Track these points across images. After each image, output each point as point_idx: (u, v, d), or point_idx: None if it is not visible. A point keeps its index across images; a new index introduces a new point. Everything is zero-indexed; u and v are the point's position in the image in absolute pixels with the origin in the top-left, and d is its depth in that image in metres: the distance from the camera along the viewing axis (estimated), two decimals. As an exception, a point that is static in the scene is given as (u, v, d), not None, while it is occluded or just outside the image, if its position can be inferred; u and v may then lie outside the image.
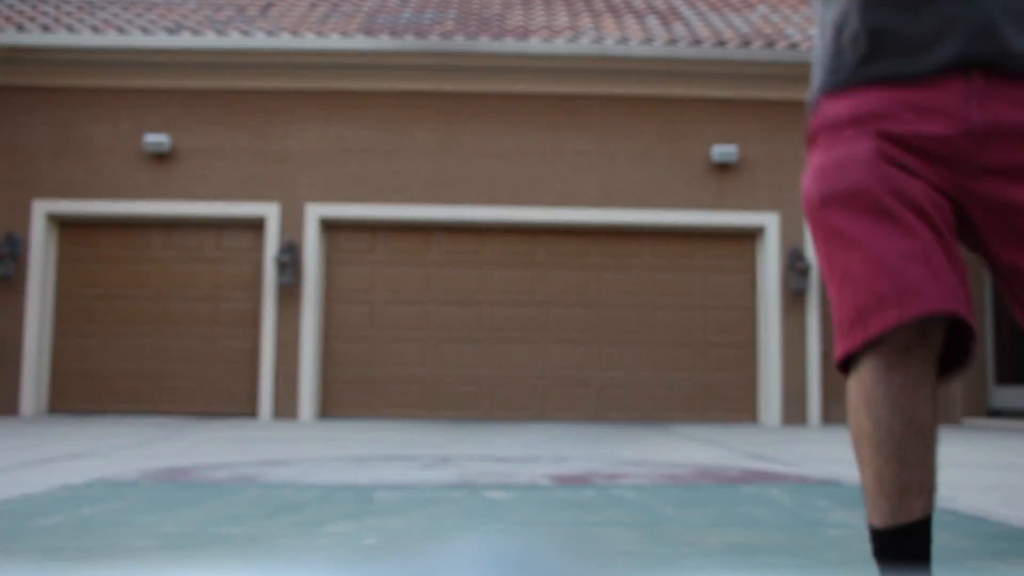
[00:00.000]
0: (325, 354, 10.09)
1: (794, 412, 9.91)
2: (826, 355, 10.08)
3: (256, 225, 10.19)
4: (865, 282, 1.56)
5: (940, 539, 2.79)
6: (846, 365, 1.66)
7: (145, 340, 10.13)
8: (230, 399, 10.04)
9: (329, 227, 10.24)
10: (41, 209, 10.01)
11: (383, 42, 9.92)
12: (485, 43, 9.91)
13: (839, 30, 1.69)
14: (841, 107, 1.66)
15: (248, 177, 10.10)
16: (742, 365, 10.21)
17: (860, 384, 1.62)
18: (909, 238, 1.54)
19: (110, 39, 9.85)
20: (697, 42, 10.06)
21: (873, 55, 1.64)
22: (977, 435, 8.04)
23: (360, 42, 9.91)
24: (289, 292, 9.92)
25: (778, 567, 2.36)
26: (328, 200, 10.07)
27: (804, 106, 10.31)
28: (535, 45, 9.91)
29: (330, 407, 10.03)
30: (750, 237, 10.38)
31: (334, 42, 9.90)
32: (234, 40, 9.88)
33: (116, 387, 10.08)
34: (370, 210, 10.09)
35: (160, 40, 9.88)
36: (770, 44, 10.08)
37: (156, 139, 9.94)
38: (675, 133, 10.26)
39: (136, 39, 9.86)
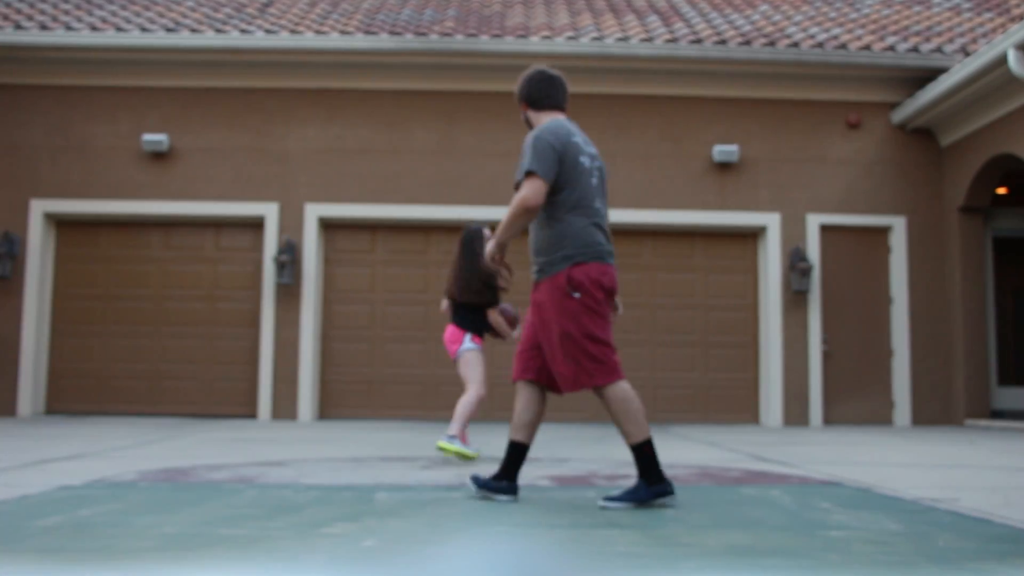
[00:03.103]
0: (324, 354, 10.08)
1: (796, 413, 9.89)
2: (828, 355, 10.06)
3: (255, 225, 10.17)
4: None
5: (943, 540, 2.78)
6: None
7: (143, 340, 10.11)
8: (229, 400, 10.02)
9: (328, 227, 10.22)
10: (39, 208, 9.99)
11: (382, 41, 9.90)
12: (485, 42, 9.90)
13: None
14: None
15: (247, 176, 10.08)
16: (743, 366, 10.20)
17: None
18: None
19: (108, 37, 9.83)
20: (698, 41, 10.04)
21: None
22: (980, 436, 8.03)
23: (359, 41, 9.89)
24: (288, 292, 9.91)
25: (779, 569, 2.35)
26: (327, 200, 10.05)
27: (805, 106, 10.30)
28: (535, 44, 9.89)
29: (329, 408, 10.01)
30: (751, 237, 10.36)
31: (333, 41, 9.88)
32: (233, 39, 9.86)
33: (114, 388, 10.06)
34: (370, 210, 10.07)
35: (159, 38, 9.86)
36: (771, 43, 10.06)
37: (154, 138, 9.92)
38: (676, 132, 10.24)
39: (135, 37, 9.84)
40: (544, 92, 3.72)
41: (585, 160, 3.59)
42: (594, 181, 3.61)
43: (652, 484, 3.42)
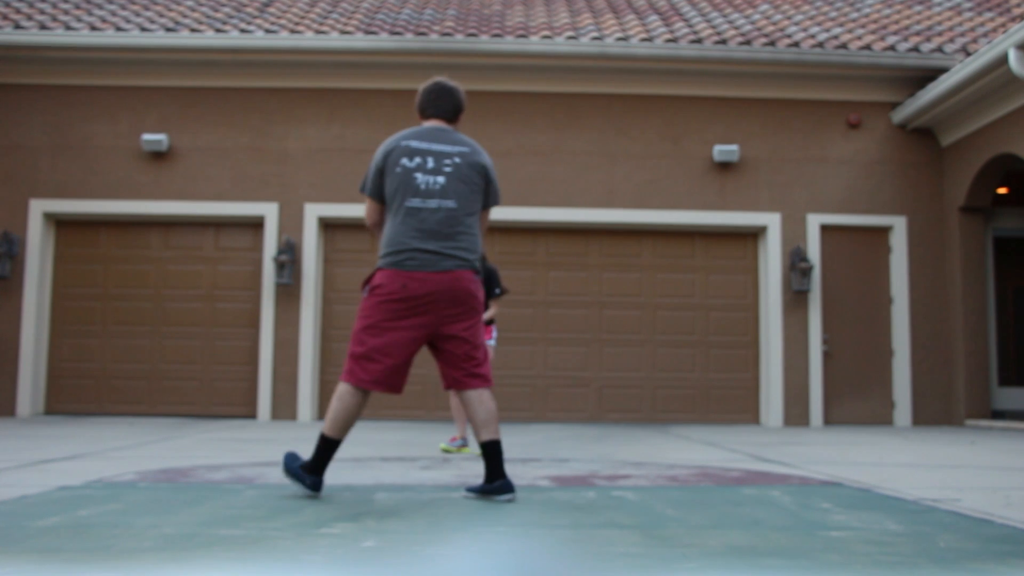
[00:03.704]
0: (324, 354, 10.07)
1: (796, 413, 9.89)
2: (828, 355, 10.06)
3: (255, 224, 10.17)
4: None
5: (944, 541, 2.77)
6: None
7: (143, 340, 10.11)
8: (228, 400, 10.02)
9: (328, 227, 10.22)
10: (38, 208, 9.99)
11: (382, 40, 9.90)
12: (485, 41, 9.89)
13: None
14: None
15: (247, 176, 10.08)
16: (743, 366, 10.20)
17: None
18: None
19: (108, 37, 9.83)
20: (698, 41, 10.04)
21: None
22: (980, 436, 8.03)
23: (359, 40, 9.89)
24: (288, 292, 9.90)
25: (780, 569, 2.34)
26: (327, 199, 10.05)
27: (806, 105, 10.30)
28: (535, 44, 9.89)
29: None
30: (751, 237, 10.36)
31: (333, 40, 9.88)
32: (233, 38, 9.86)
33: (114, 388, 10.06)
34: (369, 209, 10.05)
35: (158, 38, 9.86)
36: (772, 43, 10.06)
37: (154, 138, 9.92)
38: (676, 132, 10.24)
39: (134, 37, 9.84)
40: (430, 102, 3.82)
41: (410, 160, 3.58)
42: (430, 180, 3.58)
43: (309, 472, 3.60)
